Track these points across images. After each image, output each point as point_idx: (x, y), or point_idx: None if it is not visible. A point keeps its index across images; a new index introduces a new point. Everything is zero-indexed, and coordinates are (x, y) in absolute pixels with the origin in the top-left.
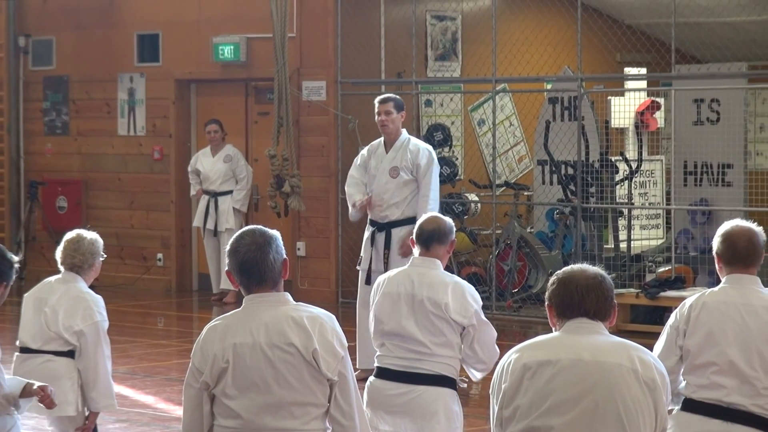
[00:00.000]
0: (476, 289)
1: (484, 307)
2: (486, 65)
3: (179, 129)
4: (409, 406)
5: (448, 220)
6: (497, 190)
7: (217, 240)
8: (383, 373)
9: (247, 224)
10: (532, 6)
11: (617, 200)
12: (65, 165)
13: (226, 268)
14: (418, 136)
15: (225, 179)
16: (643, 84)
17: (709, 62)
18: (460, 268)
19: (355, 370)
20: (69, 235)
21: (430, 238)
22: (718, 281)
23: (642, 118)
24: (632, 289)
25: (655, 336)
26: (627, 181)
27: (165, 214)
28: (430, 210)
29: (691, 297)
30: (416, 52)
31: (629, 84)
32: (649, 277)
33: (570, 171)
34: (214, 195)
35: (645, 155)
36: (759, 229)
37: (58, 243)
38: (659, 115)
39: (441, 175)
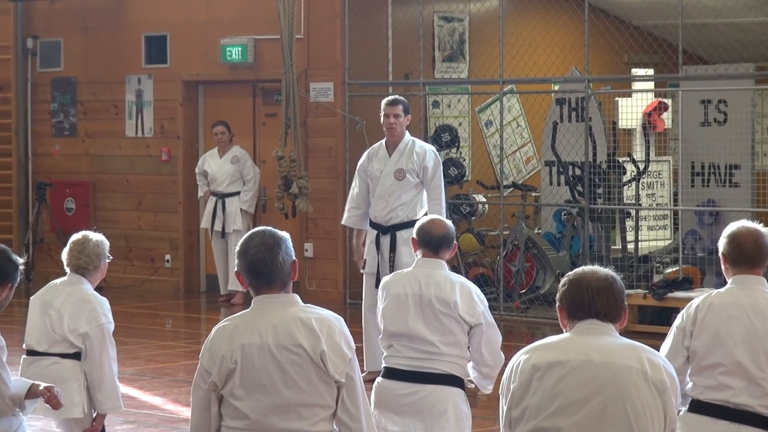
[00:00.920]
0: (484, 290)
1: (491, 308)
2: (493, 66)
3: (187, 130)
4: (418, 405)
5: (449, 222)
6: (505, 191)
7: (225, 241)
8: (391, 373)
9: (254, 225)
10: (539, 7)
11: (625, 201)
12: (73, 166)
13: (236, 269)
14: (425, 137)
15: (232, 180)
16: (651, 85)
17: (716, 63)
18: (468, 269)
19: (363, 371)
20: (75, 236)
21: (441, 244)
22: (726, 282)
23: (649, 119)
24: (640, 290)
25: (663, 337)
26: (634, 182)
27: (173, 216)
28: (443, 212)
29: (698, 298)
30: (424, 53)
31: (636, 85)
32: (656, 278)
33: (577, 172)
34: (222, 196)
35: (652, 156)
36: (765, 230)
37: (65, 244)
38: (666, 116)
39: (448, 176)
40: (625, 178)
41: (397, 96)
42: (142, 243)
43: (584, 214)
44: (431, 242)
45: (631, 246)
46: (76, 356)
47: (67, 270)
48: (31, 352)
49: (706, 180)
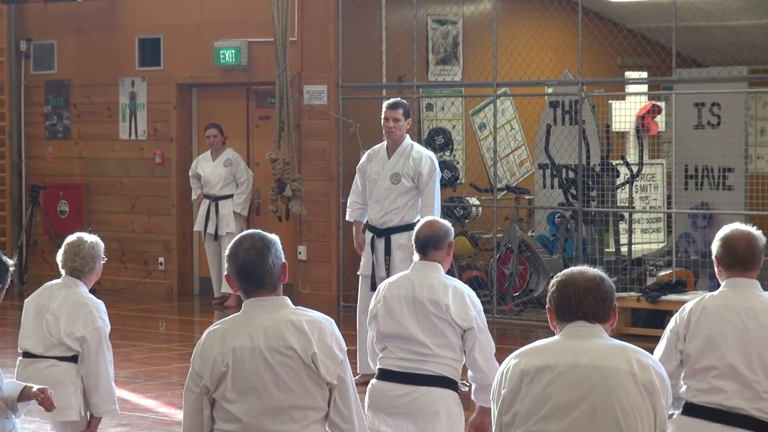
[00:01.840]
0: (477, 293)
1: (485, 311)
2: (487, 69)
3: (180, 133)
4: (411, 407)
5: (445, 223)
6: (498, 193)
7: (218, 244)
8: (385, 375)
9: (248, 228)
10: (533, 10)
11: (618, 204)
12: (66, 169)
13: (225, 273)
14: (419, 140)
15: (225, 183)
16: (644, 88)
17: (709, 66)
18: (462, 271)
19: (356, 374)
20: (70, 238)
21: (426, 245)
22: (719, 285)
23: (643, 121)
24: (633, 293)
25: (656, 340)
26: (628, 185)
27: (166, 218)
28: (435, 208)
29: (691, 301)
30: (417, 56)
31: (630, 88)
32: (650, 281)
33: (571, 175)
34: (215, 199)
35: (646, 159)
36: (758, 233)
37: (59, 247)
38: (660, 119)
39: (442, 179)
40: (618, 181)
41: (398, 99)
42: (136, 246)
43: (578, 217)
44: (417, 243)
45: (624, 249)
46: (73, 359)
47: (62, 272)
48: (27, 355)
49: (699, 183)
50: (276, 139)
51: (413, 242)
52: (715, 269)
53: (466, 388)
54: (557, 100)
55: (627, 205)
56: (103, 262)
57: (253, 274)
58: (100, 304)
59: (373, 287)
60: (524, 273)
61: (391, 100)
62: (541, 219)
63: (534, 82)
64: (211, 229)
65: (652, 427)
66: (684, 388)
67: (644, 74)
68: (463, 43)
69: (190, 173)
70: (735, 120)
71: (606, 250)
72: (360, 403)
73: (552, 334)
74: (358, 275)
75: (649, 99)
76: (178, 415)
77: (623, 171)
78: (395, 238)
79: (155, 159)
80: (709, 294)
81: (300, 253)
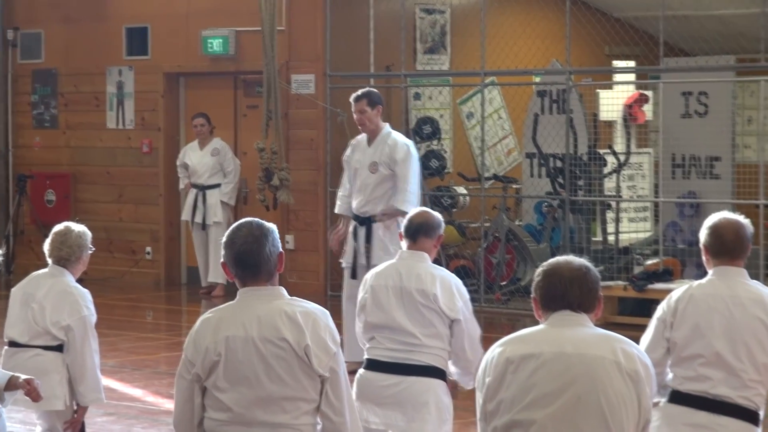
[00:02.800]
0: (465, 282)
1: (472, 300)
2: (475, 58)
3: (168, 122)
4: (400, 397)
5: (437, 214)
6: (486, 183)
7: (206, 233)
8: (373, 365)
9: (235, 218)
10: None
11: (605, 193)
12: (54, 158)
13: (222, 260)
14: (407, 129)
15: (213, 173)
16: (632, 77)
17: (697, 55)
18: (449, 260)
19: None
20: (57, 227)
21: (418, 231)
22: (706, 274)
23: (630, 110)
24: (620, 282)
25: (644, 328)
26: (615, 174)
27: (154, 208)
28: (408, 203)
29: (678, 289)
30: (405, 45)
31: (617, 77)
32: (637, 270)
33: (558, 164)
34: (202, 188)
35: (633, 148)
36: (746, 222)
37: (46, 236)
38: (647, 108)
39: (429, 168)
40: (605, 170)
41: (363, 90)
42: (123, 235)
43: (565, 205)
44: (409, 230)
45: (611, 238)
46: (59, 348)
47: (49, 261)
48: (12, 344)
49: (686, 172)
50: (263, 129)
51: (403, 229)
52: (703, 257)
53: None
54: (545, 90)
55: (614, 194)
56: (90, 252)
57: (250, 262)
58: (86, 294)
59: (353, 275)
60: (511, 262)
61: (356, 93)
62: (528, 208)
63: (521, 71)
64: (198, 219)
65: (636, 416)
66: (670, 375)
67: (632, 63)
68: (451, 33)
69: (178, 162)
70: (722, 109)
71: (593, 239)
72: (352, 395)
73: (538, 323)
74: (340, 263)
75: (636, 88)
76: (166, 404)
77: (610, 160)
78: (376, 227)
79: (143, 148)
80: (697, 282)
81: (288, 242)
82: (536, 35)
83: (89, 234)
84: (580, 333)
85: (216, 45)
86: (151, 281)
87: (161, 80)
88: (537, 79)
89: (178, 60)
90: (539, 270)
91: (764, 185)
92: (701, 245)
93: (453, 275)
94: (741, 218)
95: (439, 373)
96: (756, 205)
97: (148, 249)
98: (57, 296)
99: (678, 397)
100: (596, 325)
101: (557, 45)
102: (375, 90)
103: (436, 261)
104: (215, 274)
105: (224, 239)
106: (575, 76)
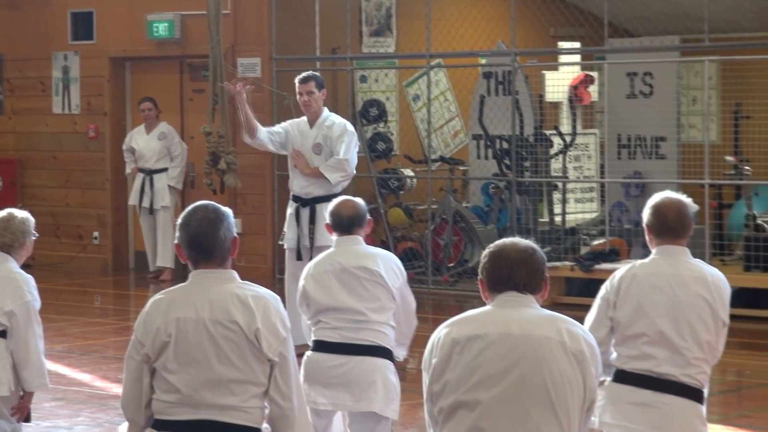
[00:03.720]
0: (412, 264)
1: (420, 282)
2: (420, 40)
3: (114, 107)
4: (347, 377)
5: (361, 201)
6: (433, 165)
7: (153, 218)
8: (321, 346)
9: (182, 202)
10: None
11: (552, 174)
12: (0, 144)
13: (176, 241)
14: (353, 112)
15: (160, 157)
16: (577, 58)
17: (641, 36)
18: (397, 243)
19: None
20: (0, 214)
21: (351, 224)
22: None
23: (576, 92)
24: (567, 262)
25: (590, 308)
26: (561, 155)
27: (100, 193)
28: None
29: (622, 269)
30: (351, 28)
31: (563, 58)
32: (583, 250)
33: (505, 145)
34: (149, 173)
35: (579, 129)
36: (688, 201)
37: None
38: (593, 89)
39: (376, 150)
40: (552, 151)
41: (309, 72)
42: (70, 220)
43: (512, 187)
44: (342, 224)
45: (558, 219)
46: (2, 335)
47: None
48: None
49: (632, 152)
50: (210, 113)
51: (333, 224)
52: (646, 237)
53: (402, 359)
54: (490, 71)
55: (560, 174)
56: (33, 238)
57: (204, 244)
58: (30, 279)
59: (299, 257)
60: (459, 244)
61: (302, 74)
62: (475, 190)
63: (467, 53)
64: (145, 203)
65: (581, 396)
66: (614, 354)
67: (577, 45)
68: (397, 15)
69: (124, 147)
70: (667, 89)
71: (540, 219)
72: (300, 381)
73: (486, 305)
74: (281, 244)
75: (581, 69)
76: (114, 388)
77: (556, 141)
78: (320, 208)
79: (89, 133)
80: (640, 262)
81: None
82: (482, 17)
83: (32, 220)
84: (525, 314)
85: (161, 29)
86: (99, 266)
87: (107, 65)
88: (483, 61)
89: (124, 44)
90: (486, 252)
91: (709, 165)
92: (644, 225)
93: (387, 251)
94: (683, 197)
95: (385, 353)
96: (701, 184)
97: (96, 234)
98: (0, 282)
99: (622, 376)
100: (543, 305)
101: (503, 27)
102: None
103: (385, 244)
104: (163, 258)
105: (179, 221)
106: (521, 58)
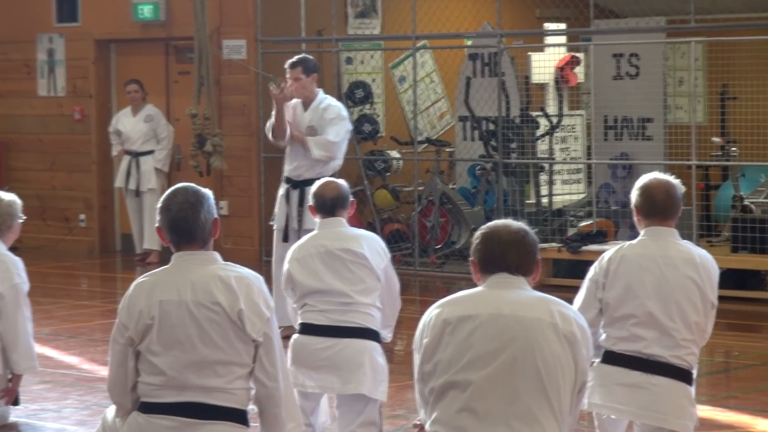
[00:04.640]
0: (399, 246)
1: (407, 264)
2: (406, 22)
3: (100, 89)
4: (335, 359)
5: (343, 183)
6: (419, 146)
7: (140, 200)
8: (308, 329)
9: (169, 184)
10: None
11: (538, 155)
12: None
13: (157, 224)
14: (339, 94)
15: (146, 139)
16: (563, 39)
17: (627, 17)
18: (383, 225)
19: None
20: None
21: (334, 206)
22: (639, 234)
23: (562, 73)
24: (554, 244)
25: (578, 290)
26: (548, 137)
27: (87, 175)
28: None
29: (610, 250)
30: (336, 9)
31: (549, 39)
32: (570, 232)
33: (491, 127)
34: (136, 155)
35: (565, 110)
36: (677, 182)
37: None
38: (579, 70)
39: (362, 132)
40: (538, 133)
41: (297, 57)
42: (56, 203)
43: (498, 168)
44: (325, 205)
45: (545, 200)
46: None
47: None
48: None
49: (619, 133)
50: (195, 95)
51: (316, 205)
52: (635, 218)
53: (389, 340)
54: (476, 53)
55: (547, 156)
56: (21, 220)
57: (185, 227)
58: (18, 261)
59: (286, 239)
60: (446, 225)
61: (290, 60)
62: (461, 171)
63: (453, 34)
64: (132, 185)
65: (573, 378)
66: (603, 336)
67: (563, 26)
68: None
69: (110, 129)
70: (653, 70)
71: (527, 201)
72: (285, 360)
73: (474, 286)
74: (271, 225)
75: (567, 50)
76: (101, 371)
77: (543, 122)
78: (309, 191)
79: (74, 116)
80: (628, 243)
81: (222, 208)
82: None
83: (19, 203)
84: (517, 295)
85: (147, 11)
86: (86, 249)
87: (92, 47)
88: (468, 43)
89: (109, 27)
90: (478, 233)
91: (696, 146)
92: (632, 206)
93: (370, 233)
94: (671, 178)
95: (373, 335)
96: (688, 165)
97: (82, 216)
98: None
99: (611, 357)
100: (532, 287)
101: (488, 8)
102: (311, 57)
103: (371, 226)
104: (150, 240)
105: (159, 204)
106: (506, 39)
